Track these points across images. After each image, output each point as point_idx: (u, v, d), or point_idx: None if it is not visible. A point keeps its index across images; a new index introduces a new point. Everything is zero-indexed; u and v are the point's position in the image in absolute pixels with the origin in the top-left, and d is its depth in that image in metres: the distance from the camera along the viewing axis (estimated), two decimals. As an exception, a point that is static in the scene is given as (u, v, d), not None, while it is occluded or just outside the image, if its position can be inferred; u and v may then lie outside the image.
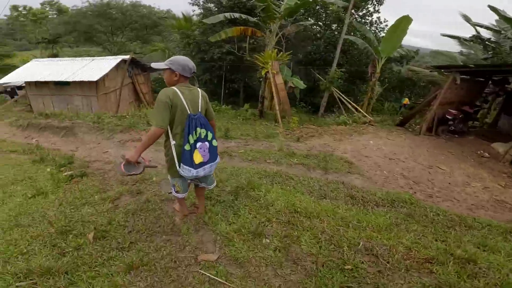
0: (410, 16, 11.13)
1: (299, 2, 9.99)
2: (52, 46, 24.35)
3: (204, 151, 2.40)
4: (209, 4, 15.22)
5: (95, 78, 10.54)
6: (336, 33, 15.41)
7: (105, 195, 3.56)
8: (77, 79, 10.64)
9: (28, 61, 13.66)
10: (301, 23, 12.25)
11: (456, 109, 9.17)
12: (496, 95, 10.62)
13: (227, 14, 10.92)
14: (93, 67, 11.51)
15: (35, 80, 10.92)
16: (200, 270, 2.35)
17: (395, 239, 2.76)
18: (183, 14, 17.02)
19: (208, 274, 2.30)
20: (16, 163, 4.89)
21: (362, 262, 2.37)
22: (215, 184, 2.99)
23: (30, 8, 27.79)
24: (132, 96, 13.98)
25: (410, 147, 7.68)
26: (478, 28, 13.44)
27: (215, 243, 2.72)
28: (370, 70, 13.86)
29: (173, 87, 2.28)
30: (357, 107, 12.09)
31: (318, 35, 16.33)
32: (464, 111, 9.40)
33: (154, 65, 2.41)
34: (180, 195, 2.72)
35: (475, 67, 8.39)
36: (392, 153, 7.09)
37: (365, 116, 11.07)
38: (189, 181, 2.68)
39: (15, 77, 11.28)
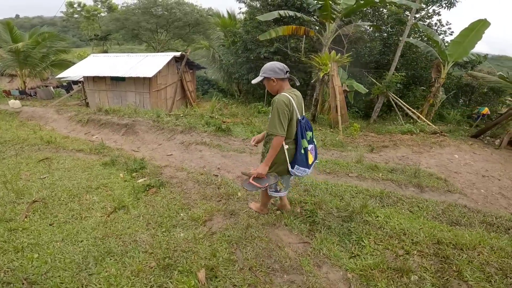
0: (487, 20, 9.83)
1: (362, 1, 9.06)
2: (103, 43, 25.13)
3: (313, 151, 2.51)
4: (255, 2, 14.61)
5: (150, 74, 10.36)
6: (389, 34, 14.17)
7: (192, 214, 3.04)
8: (132, 75, 10.53)
9: (85, 56, 13.95)
10: (358, 23, 11.29)
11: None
12: None
13: (282, 12, 10.24)
14: (147, 63, 11.38)
15: (94, 75, 10.98)
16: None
17: None
18: (227, 11, 16.64)
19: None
20: (86, 165, 4.54)
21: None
22: None
23: (84, 5, 28.92)
24: (179, 94, 13.80)
25: (500, 163, 6.59)
26: None
27: (348, 282, 2.19)
28: (433, 75, 12.55)
29: (285, 94, 2.27)
30: (420, 115, 10.93)
31: (368, 37, 15.16)
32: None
33: (254, 81, 2.43)
34: (282, 193, 2.71)
35: None
36: (484, 169, 6.06)
37: (429, 125, 9.95)
38: (291, 178, 2.74)
39: (75, 72, 11.45)
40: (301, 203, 3.34)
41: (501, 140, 8.06)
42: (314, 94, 10.38)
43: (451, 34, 14.86)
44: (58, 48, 15.61)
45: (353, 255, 2.46)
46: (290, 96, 2.25)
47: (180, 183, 3.94)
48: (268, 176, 2.40)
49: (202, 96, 18.14)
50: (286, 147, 2.35)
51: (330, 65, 9.20)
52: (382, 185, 4.69)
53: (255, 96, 16.80)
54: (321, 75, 9.28)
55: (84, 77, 11.49)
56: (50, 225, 2.91)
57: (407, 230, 2.68)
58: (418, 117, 10.89)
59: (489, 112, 9.32)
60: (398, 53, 11.61)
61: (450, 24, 14.45)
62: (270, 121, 2.25)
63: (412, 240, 2.56)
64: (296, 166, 2.40)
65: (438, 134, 8.75)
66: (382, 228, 2.76)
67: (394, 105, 12.18)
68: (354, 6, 9.17)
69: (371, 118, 12.93)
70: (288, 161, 2.38)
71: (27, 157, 4.80)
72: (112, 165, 4.51)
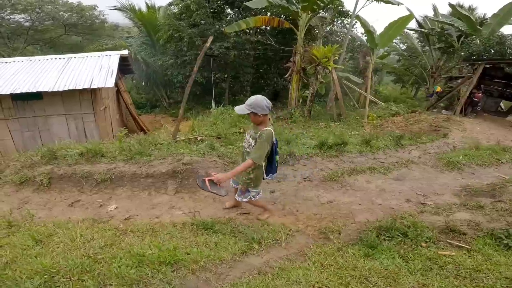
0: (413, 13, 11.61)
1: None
2: None
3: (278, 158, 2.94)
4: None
5: (109, 83, 6.23)
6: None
7: None
8: (71, 87, 6.00)
9: None
10: (321, 15, 10.89)
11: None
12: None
13: (271, -1, 8.48)
14: (80, 69, 6.83)
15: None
16: None
17: None
18: (146, 4, 12.67)
19: None
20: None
21: None
22: None
23: None
24: (117, 110, 9.40)
25: (497, 129, 7.86)
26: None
27: None
28: (361, 61, 13.94)
29: (270, 129, 2.58)
30: (375, 99, 11.95)
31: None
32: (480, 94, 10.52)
33: (237, 110, 2.60)
34: (261, 195, 3.05)
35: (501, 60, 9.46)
36: (502, 136, 7.04)
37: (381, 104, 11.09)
38: None
39: None
40: None
41: (454, 110, 9.85)
42: (310, 89, 9.38)
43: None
44: None
45: None
46: (272, 129, 2.60)
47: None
48: (222, 186, 2.49)
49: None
50: (263, 164, 2.71)
51: (332, 57, 8.42)
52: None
53: (201, 100, 13.85)
54: (330, 69, 8.36)
55: None
56: None
57: None
58: (376, 100, 11.91)
59: (441, 90, 11.24)
60: (346, 43, 12.15)
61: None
62: (258, 151, 2.52)
63: None
64: (270, 174, 2.88)
65: (417, 112, 9.78)
66: None
67: (347, 91, 12.89)
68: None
69: (327, 105, 13.19)
70: (264, 174, 2.81)
71: None
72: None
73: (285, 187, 3.85)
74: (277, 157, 2.86)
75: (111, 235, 2.51)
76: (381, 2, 10.97)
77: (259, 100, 2.49)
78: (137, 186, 3.93)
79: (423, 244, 2.41)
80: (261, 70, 14.98)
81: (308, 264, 2.16)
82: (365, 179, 3.84)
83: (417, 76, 16.74)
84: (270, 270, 2.12)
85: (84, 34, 18.07)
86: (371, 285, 1.88)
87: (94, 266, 1.89)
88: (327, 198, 3.52)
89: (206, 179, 2.40)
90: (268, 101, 2.55)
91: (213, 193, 2.46)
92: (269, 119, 2.66)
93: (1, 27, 15.16)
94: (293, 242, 2.58)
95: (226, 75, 13.63)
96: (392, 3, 9.65)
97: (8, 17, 15.32)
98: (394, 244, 2.40)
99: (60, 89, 5.94)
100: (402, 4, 9.98)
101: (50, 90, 5.92)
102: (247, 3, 8.71)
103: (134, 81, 14.34)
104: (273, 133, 2.61)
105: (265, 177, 2.84)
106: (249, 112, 2.52)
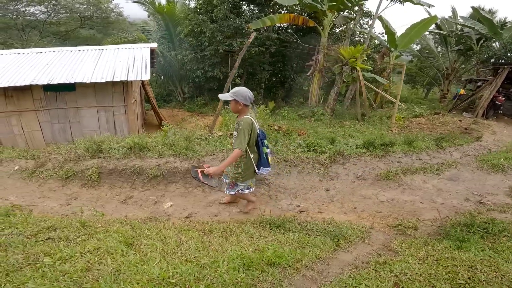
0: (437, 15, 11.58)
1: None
2: None
3: (271, 154, 3.34)
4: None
5: (145, 75, 6.21)
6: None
7: None
8: (108, 78, 5.99)
9: None
10: (346, 15, 10.87)
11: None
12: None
13: (298, -4, 8.49)
14: (112, 60, 6.76)
15: (16, 84, 5.57)
16: None
17: None
18: None
19: None
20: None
21: None
22: None
23: None
24: (139, 103, 9.42)
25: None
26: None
27: None
28: (379, 61, 13.92)
29: (249, 117, 2.70)
30: (394, 99, 11.96)
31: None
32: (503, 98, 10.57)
33: (221, 96, 2.86)
34: (252, 189, 3.12)
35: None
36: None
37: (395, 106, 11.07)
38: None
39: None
40: None
41: (477, 112, 9.90)
42: (335, 88, 9.40)
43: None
44: None
45: None
46: (252, 118, 2.72)
47: None
48: (213, 178, 2.64)
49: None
50: (252, 155, 2.85)
51: (359, 58, 8.44)
52: None
53: (210, 96, 13.87)
54: (358, 69, 8.38)
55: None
56: None
57: None
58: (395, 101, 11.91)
59: (464, 92, 11.29)
60: (367, 43, 12.13)
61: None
62: (237, 139, 2.66)
63: None
64: (261, 168, 2.94)
65: (440, 114, 9.81)
66: None
67: (366, 91, 12.87)
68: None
69: (344, 105, 13.21)
70: (254, 166, 2.90)
71: None
72: None
73: (340, 185, 3.88)
74: (266, 149, 2.89)
75: (195, 235, 2.52)
76: (404, 3, 10.98)
77: (243, 91, 2.69)
78: (190, 183, 3.95)
79: (503, 238, 2.48)
80: (275, 67, 14.99)
81: (403, 257, 2.21)
82: (421, 179, 3.89)
83: (431, 77, 16.75)
84: (366, 265, 2.16)
85: (100, 27, 18.00)
86: (479, 272, 1.93)
87: (203, 273, 1.84)
88: (386, 196, 3.56)
89: (199, 170, 2.55)
90: (251, 94, 2.72)
91: (205, 183, 2.56)
92: (251, 110, 2.80)
93: (17, 19, 15.11)
94: (372, 238, 2.62)
95: (242, 71, 13.62)
96: (422, 5, 9.62)
97: (23, 9, 15.27)
98: (477, 238, 2.46)
99: (98, 81, 5.95)
100: (433, 6, 9.94)
101: (88, 81, 5.92)
102: (278, 0, 8.70)
103: (153, 74, 14.28)
104: (253, 121, 2.69)
105: (257, 172, 2.92)
106: (231, 99, 2.68)
